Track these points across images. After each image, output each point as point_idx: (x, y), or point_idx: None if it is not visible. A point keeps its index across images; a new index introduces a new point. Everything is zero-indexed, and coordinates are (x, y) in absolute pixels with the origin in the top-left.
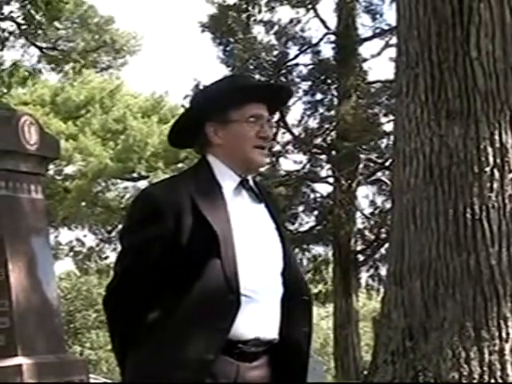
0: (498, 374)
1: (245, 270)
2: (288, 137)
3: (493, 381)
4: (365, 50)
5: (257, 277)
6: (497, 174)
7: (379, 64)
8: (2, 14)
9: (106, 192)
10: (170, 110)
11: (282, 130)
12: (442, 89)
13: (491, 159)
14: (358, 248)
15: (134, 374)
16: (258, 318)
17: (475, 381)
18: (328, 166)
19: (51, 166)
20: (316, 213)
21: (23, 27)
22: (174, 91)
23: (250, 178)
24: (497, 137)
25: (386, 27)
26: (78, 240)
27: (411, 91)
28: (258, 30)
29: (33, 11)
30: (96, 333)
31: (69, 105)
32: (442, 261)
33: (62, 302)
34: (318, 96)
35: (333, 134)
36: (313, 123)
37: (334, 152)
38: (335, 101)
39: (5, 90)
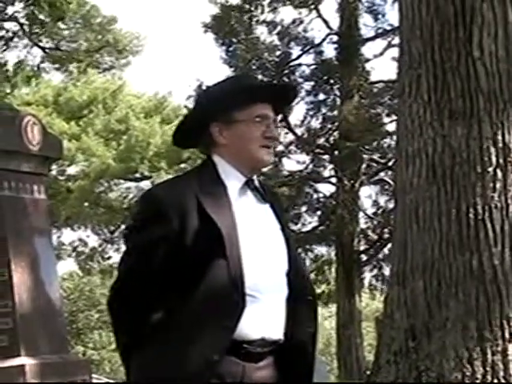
0: (501, 374)
1: (250, 270)
2: (291, 137)
3: (496, 381)
4: (367, 50)
5: (262, 277)
6: (500, 174)
7: (382, 64)
8: (6, 14)
9: (108, 192)
10: (173, 110)
11: (285, 131)
12: (445, 89)
13: (494, 159)
14: (361, 248)
15: (138, 374)
16: (264, 318)
17: (478, 381)
18: (331, 166)
19: (54, 166)
20: (319, 213)
21: (26, 27)
22: (176, 91)
23: (255, 178)
24: (500, 137)
25: (389, 27)
26: (80, 240)
27: (414, 91)
28: (261, 31)
29: (36, 11)
30: (99, 333)
31: (72, 105)
32: (445, 261)
33: (65, 303)
34: (321, 96)
35: (335, 134)
36: (315, 123)
37: (336, 152)
38: (338, 101)
39: (8, 90)
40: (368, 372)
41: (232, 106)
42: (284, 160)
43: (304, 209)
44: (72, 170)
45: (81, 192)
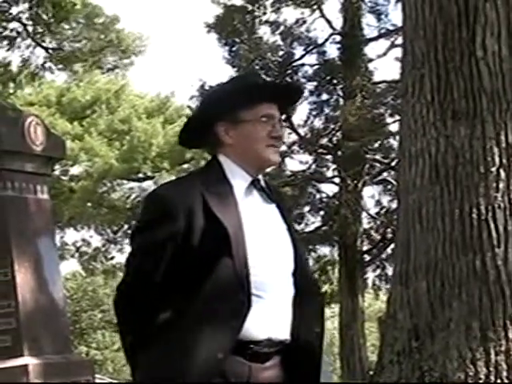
0: (504, 374)
1: (256, 269)
2: (294, 137)
3: (499, 381)
4: (370, 50)
5: (268, 277)
6: (503, 174)
7: (385, 64)
8: (11, 14)
9: (111, 192)
10: (176, 110)
11: (288, 131)
12: (448, 89)
13: (497, 159)
14: (364, 248)
15: (144, 374)
16: (270, 318)
17: (481, 381)
18: (334, 166)
19: (57, 167)
20: (322, 213)
21: (30, 28)
22: (179, 92)
23: (260, 177)
24: (503, 137)
25: (392, 27)
26: (83, 240)
27: (417, 91)
28: (264, 31)
29: (40, 12)
30: (102, 333)
31: (75, 105)
32: (448, 261)
33: (68, 303)
34: (324, 96)
35: (338, 134)
36: (318, 123)
37: (339, 152)
38: (341, 101)
39: (11, 91)
40: (371, 372)
41: (238, 105)
42: (287, 160)
43: (307, 209)
44: (75, 170)
45: (84, 192)
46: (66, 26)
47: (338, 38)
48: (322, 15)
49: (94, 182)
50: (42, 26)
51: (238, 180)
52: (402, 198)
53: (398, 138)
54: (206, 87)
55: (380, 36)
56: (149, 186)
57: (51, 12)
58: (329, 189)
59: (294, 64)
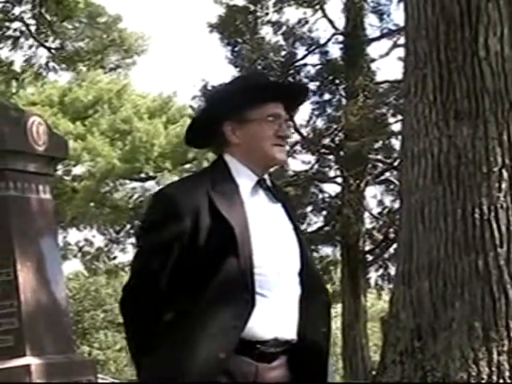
0: (507, 374)
1: (261, 268)
2: (296, 137)
3: (501, 381)
4: (373, 50)
5: (273, 276)
6: (505, 174)
7: (387, 64)
8: (13, 14)
9: (114, 192)
10: (178, 110)
11: (291, 130)
12: (451, 89)
13: (500, 159)
14: (367, 248)
15: (149, 375)
16: (276, 317)
17: (484, 381)
18: (336, 166)
19: (60, 166)
20: (324, 213)
21: (32, 28)
22: (181, 92)
23: (266, 177)
24: (505, 137)
25: (394, 27)
26: (86, 240)
27: (419, 91)
28: (266, 31)
29: (43, 11)
30: (104, 333)
31: (77, 105)
32: (451, 261)
33: (71, 302)
34: (326, 96)
35: (341, 134)
36: (321, 123)
37: (342, 152)
38: (343, 101)
39: (14, 90)
40: (373, 372)
41: (245, 105)
42: (289, 160)
43: (309, 209)
44: (78, 170)
45: (86, 192)
46: (69, 26)
47: (341, 37)
48: (325, 15)
49: (96, 181)
50: (44, 26)
51: (244, 179)
52: (405, 198)
53: (400, 137)
54: (209, 87)
55: (382, 36)
56: (151, 186)
57: (54, 11)
58: (331, 189)
59: (297, 64)
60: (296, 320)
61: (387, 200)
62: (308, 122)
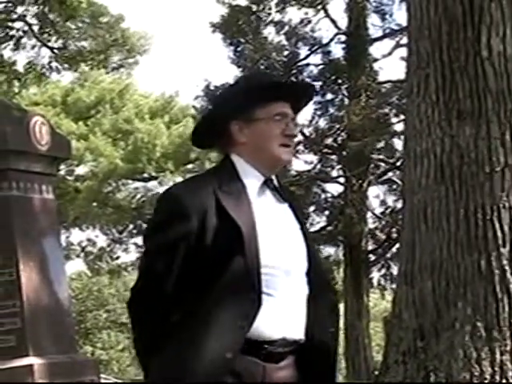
0: (510, 374)
1: (268, 268)
2: (299, 137)
3: (504, 381)
4: (375, 50)
5: (280, 275)
6: (508, 174)
7: (390, 64)
8: (16, 12)
9: (116, 192)
10: (181, 110)
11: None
12: (453, 89)
13: (502, 159)
14: (369, 248)
15: (156, 375)
16: (284, 317)
17: (486, 381)
18: (339, 166)
19: (62, 166)
20: (327, 213)
21: (35, 27)
22: (184, 91)
23: (273, 177)
24: (508, 137)
25: (396, 27)
26: (89, 240)
27: (422, 91)
28: (269, 31)
29: (46, 10)
30: (107, 333)
31: (79, 105)
32: (453, 261)
33: (73, 302)
34: (329, 96)
35: (343, 134)
36: (323, 123)
37: (344, 152)
38: (346, 101)
39: (16, 90)
40: (376, 372)
41: (252, 103)
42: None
43: (312, 209)
44: (80, 170)
45: (89, 192)
46: (72, 26)
47: (343, 37)
48: (327, 15)
49: (99, 181)
50: (47, 25)
51: (251, 179)
52: (407, 198)
53: (402, 137)
54: (211, 87)
55: (385, 36)
56: (154, 186)
57: (58, 11)
58: (334, 189)
59: (299, 64)
60: (304, 320)
61: (390, 200)
62: (310, 121)
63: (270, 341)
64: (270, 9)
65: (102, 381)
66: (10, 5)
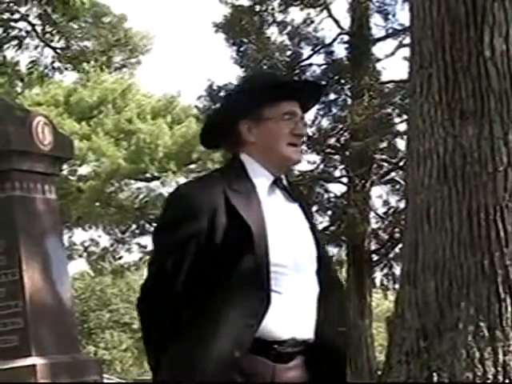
0: None
1: (278, 267)
2: None
3: (507, 381)
4: (378, 50)
5: (290, 275)
6: (511, 174)
7: (393, 64)
8: (19, 12)
9: (119, 192)
10: (183, 110)
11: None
12: (456, 89)
13: (505, 159)
14: (372, 248)
15: (166, 374)
16: (293, 317)
17: (489, 381)
18: (342, 166)
19: (65, 166)
20: (330, 213)
21: (38, 28)
22: (186, 91)
23: (283, 176)
24: (511, 136)
25: (399, 27)
26: (91, 240)
27: (425, 91)
28: (272, 31)
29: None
30: (110, 333)
31: (82, 105)
32: (456, 261)
33: (76, 302)
34: (332, 96)
35: (346, 134)
36: (326, 123)
37: (347, 152)
38: (349, 101)
39: (19, 91)
40: (379, 372)
41: (262, 103)
42: None
43: (315, 209)
44: (83, 170)
45: (92, 192)
46: (75, 26)
47: (346, 37)
48: (330, 15)
49: (101, 181)
50: (50, 25)
51: (261, 178)
52: (410, 198)
53: (405, 137)
54: (214, 87)
55: (388, 36)
56: (156, 186)
57: (61, 11)
58: (337, 189)
59: (302, 64)
60: (313, 319)
61: (393, 200)
62: (313, 121)
63: (280, 341)
64: (272, 9)
65: (105, 381)
66: (12, 5)
